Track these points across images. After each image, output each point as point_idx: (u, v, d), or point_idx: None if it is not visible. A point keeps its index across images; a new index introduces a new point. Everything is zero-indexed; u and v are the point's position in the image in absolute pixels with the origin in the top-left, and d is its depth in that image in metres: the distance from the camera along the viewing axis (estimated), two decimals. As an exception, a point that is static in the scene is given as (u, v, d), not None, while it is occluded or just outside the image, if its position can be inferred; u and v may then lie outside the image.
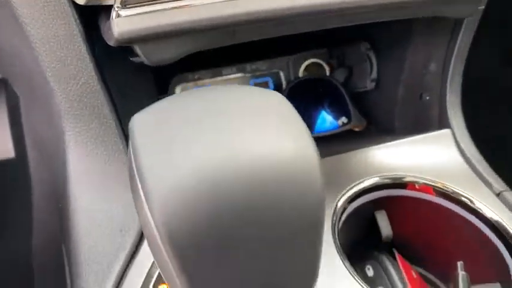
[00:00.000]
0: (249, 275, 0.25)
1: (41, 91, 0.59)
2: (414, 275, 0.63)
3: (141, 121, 0.26)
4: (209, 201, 0.22)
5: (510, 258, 0.52)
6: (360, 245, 0.60)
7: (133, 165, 0.25)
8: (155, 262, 0.27)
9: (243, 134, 0.25)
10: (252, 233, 0.23)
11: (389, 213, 0.60)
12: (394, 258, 0.63)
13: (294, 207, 0.24)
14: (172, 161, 0.23)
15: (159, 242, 0.24)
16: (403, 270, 0.62)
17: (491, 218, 0.53)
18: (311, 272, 0.27)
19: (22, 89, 0.72)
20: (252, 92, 0.30)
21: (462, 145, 0.62)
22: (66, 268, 0.55)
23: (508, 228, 0.52)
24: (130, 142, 0.27)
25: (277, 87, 0.77)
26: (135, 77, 0.59)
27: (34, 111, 0.70)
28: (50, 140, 0.63)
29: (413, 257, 0.62)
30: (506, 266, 0.53)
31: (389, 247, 0.63)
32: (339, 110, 0.74)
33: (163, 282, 0.46)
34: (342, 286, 0.48)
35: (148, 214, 0.24)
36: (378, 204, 0.59)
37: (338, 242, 0.52)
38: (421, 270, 0.63)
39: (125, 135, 0.53)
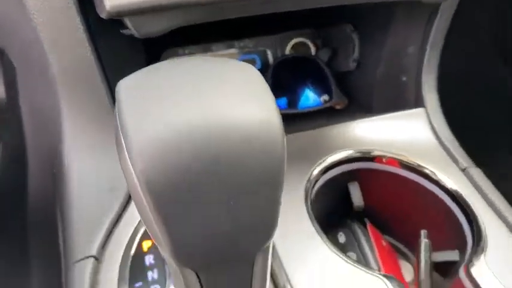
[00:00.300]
0: (215, 219, 0.29)
1: (37, 61, 0.62)
2: (383, 243, 0.68)
3: (126, 85, 0.30)
4: (181, 153, 0.26)
5: (468, 228, 0.56)
6: (334, 214, 0.65)
7: (118, 123, 0.29)
8: (138, 210, 0.31)
9: (215, 98, 0.28)
10: (217, 182, 0.27)
11: (361, 185, 0.64)
12: (365, 227, 0.68)
13: (257, 162, 0.28)
14: (151, 118, 0.27)
15: (139, 189, 0.28)
16: (372, 238, 0.67)
17: (451, 188, 0.57)
18: (271, 221, 0.31)
19: (19, 59, 0.75)
20: (229, 63, 0.34)
21: (434, 124, 0.66)
22: (59, 227, 0.59)
23: (468, 200, 0.56)
24: (116, 104, 0.30)
25: (265, 65, 0.80)
26: (126, 50, 0.62)
27: (31, 81, 0.73)
28: (46, 109, 0.67)
29: (383, 227, 0.67)
30: (464, 235, 0.57)
31: (361, 217, 0.68)
32: (321, 88, 0.78)
33: (148, 239, 0.51)
34: (314, 251, 0.53)
35: (130, 164, 0.27)
36: (351, 176, 0.63)
37: (311, 210, 0.56)
38: (390, 239, 0.68)
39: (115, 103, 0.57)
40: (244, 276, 0.35)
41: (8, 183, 0.95)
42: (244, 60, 0.82)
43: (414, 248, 0.62)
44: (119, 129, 0.29)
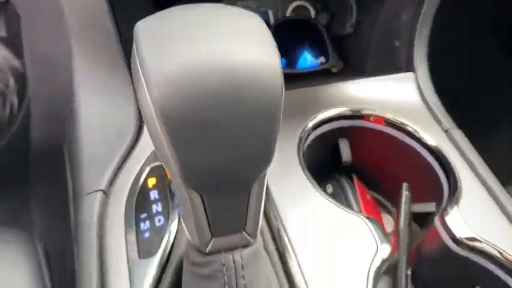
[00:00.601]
0: (220, 145, 0.33)
1: (48, 11, 0.65)
2: (368, 197, 0.73)
3: (143, 26, 0.34)
4: (193, 84, 0.30)
5: (446, 182, 0.61)
6: (324, 168, 0.69)
7: (137, 60, 0.33)
8: (151, 137, 0.35)
9: (225, 38, 0.32)
10: (223, 112, 0.31)
11: (350, 142, 0.69)
12: (352, 181, 0.73)
13: (259, 96, 0.32)
14: (167, 53, 0.31)
15: (154, 115, 0.32)
16: (358, 192, 0.72)
17: (431, 145, 0.62)
18: (268, 151, 0.35)
19: (25, 9, 0.77)
20: (239, 10, 0.37)
21: (422, 87, 0.70)
22: (67, 166, 0.64)
23: (446, 156, 0.61)
24: (134, 43, 0.34)
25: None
26: (137, 3, 0.65)
27: (38, 30, 0.76)
28: (54, 57, 0.70)
29: (368, 182, 0.72)
30: (442, 189, 0.62)
31: (349, 172, 0.73)
32: (319, 50, 0.81)
33: (153, 176, 0.55)
34: (305, 196, 0.58)
35: (146, 93, 0.31)
36: (341, 132, 0.67)
37: (303, 161, 0.61)
38: (374, 194, 0.73)
39: (125, 52, 0.60)
40: (242, 202, 0.40)
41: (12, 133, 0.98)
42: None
43: (396, 202, 0.67)
44: (138, 64, 0.33)
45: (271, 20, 0.82)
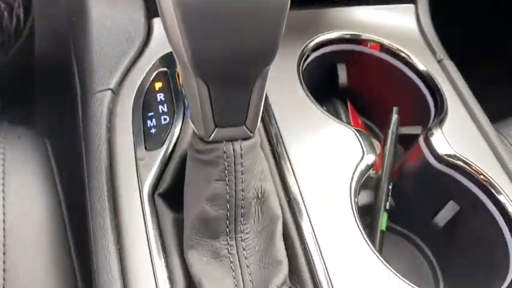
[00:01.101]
0: (229, 36, 0.36)
1: None
2: (359, 121, 0.77)
3: None
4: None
5: (433, 106, 0.65)
6: (320, 89, 0.73)
7: None
8: (166, 28, 0.38)
9: None
10: (234, 5, 0.34)
11: (347, 66, 0.72)
12: (347, 106, 0.77)
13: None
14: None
15: (171, 5, 0.35)
16: (350, 115, 0.76)
17: (423, 70, 0.65)
18: (273, 46, 0.39)
19: None
20: None
21: (421, 18, 0.72)
22: (75, 68, 0.66)
23: (436, 82, 0.65)
24: None
25: None
26: None
27: None
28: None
29: (361, 108, 0.76)
30: (429, 115, 0.66)
31: (344, 97, 0.77)
32: None
33: (160, 80, 0.58)
34: (303, 110, 0.61)
35: None
36: (339, 56, 0.70)
37: (301, 78, 0.64)
38: (365, 119, 0.77)
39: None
40: (244, 96, 0.43)
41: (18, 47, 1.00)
42: None
43: (383, 127, 0.72)
44: None
45: None
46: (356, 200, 0.53)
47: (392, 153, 0.66)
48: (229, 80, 0.40)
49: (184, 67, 0.40)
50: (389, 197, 0.65)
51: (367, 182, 0.67)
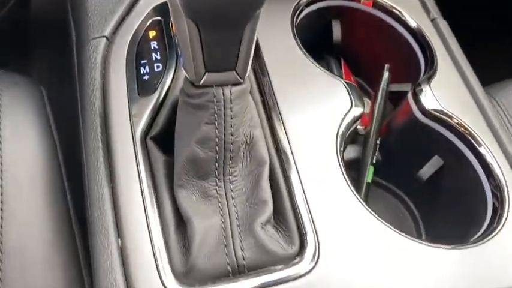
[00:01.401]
0: None
1: None
2: (352, 79, 0.78)
3: None
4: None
5: (424, 65, 0.66)
6: (314, 45, 0.73)
7: None
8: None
9: None
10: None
11: (342, 24, 0.72)
12: (340, 63, 0.78)
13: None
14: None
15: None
16: (344, 73, 0.77)
17: (415, 27, 0.66)
18: None
19: None
20: None
21: None
22: (70, 19, 0.67)
23: (428, 40, 0.65)
24: None
25: None
26: None
27: None
28: None
29: (354, 67, 0.76)
30: (420, 73, 0.67)
31: (338, 55, 0.77)
32: None
33: (154, 29, 0.59)
34: (293, 59, 0.61)
35: None
36: (333, 13, 0.71)
37: (295, 32, 0.65)
38: (358, 78, 0.78)
39: None
40: (234, 41, 0.44)
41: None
42: None
43: (375, 86, 0.73)
44: None
45: None
46: (341, 148, 0.55)
47: (382, 109, 0.67)
48: (219, 22, 0.41)
49: (175, 9, 0.41)
50: (377, 152, 0.67)
51: (355, 138, 0.69)
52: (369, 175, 0.65)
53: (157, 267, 0.45)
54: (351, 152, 0.66)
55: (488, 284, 0.48)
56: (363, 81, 0.79)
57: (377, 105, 0.67)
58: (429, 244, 0.49)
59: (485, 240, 0.50)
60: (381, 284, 0.47)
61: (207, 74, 0.45)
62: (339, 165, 0.53)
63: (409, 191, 0.66)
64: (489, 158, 0.55)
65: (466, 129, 0.58)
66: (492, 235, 0.50)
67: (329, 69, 0.74)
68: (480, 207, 0.54)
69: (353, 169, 0.64)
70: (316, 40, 0.73)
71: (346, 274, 0.47)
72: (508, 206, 0.53)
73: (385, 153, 0.66)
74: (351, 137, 0.63)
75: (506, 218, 0.52)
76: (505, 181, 0.54)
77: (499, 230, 0.51)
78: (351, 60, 0.75)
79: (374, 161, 0.66)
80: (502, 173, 0.55)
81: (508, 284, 0.49)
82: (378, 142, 0.66)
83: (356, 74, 0.77)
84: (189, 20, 0.41)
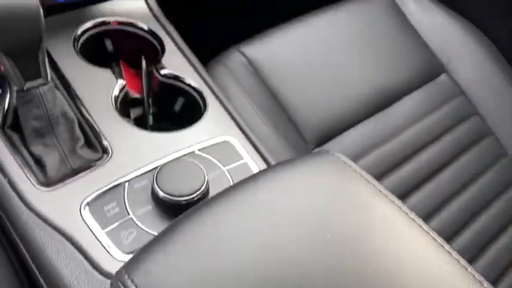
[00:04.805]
0: (10, 34, 0.79)
1: None
2: (131, 70, 1.24)
3: None
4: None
5: (160, 49, 1.15)
6: (100, 57, 1.17)
7: None
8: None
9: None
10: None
11: (112, 39, 1.17)
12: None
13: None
14: None
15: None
16: (123, 68, 1.22)
17: (148, 28, 1.14)
18: (38, 36, 0.82)
19: None
20: None
21: (149, 1, 1.20)
22: None
23: (157, 32, 1.14)
24: None
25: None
26: None
27: None
28: None
29: (130, 63, 1.22)
30: (159, 53, 1.16)
31: (118, 59, 1.22)
32: None
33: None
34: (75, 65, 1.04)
35: None
36: (101, 35, 1.15)
37: (77, 52, 1.07)
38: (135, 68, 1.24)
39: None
40: (34, 63, 0.86)
41: None
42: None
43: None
44: None
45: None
46: (118, 108, 1.00)
47: (147, 80, 1.14)
48: (20, 57, 0.82)
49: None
50: (151, 106, 1.14)
51: (136, 103, 1.15)
52: (149, 121, 1.12)
53: None
54: (137, 111, 1.13)
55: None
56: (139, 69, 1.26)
57: (143, 77, 1.13)
58: None
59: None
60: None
61: (26, 83, 0.87)
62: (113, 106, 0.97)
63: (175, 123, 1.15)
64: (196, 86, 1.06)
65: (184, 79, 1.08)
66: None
67: (113, 70, 1.18)
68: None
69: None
70: (99, 54, 1.17)
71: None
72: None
73: (157, 106, 1.14)
74: (131, 101, 1.09)
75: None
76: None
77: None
78: (126, 60, 1.21)
79: (151, 112, 1.13)
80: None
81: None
82: (150, 100, 1.13)
83: (133, 66, 1.23)
84: (3, 57, 0.81)
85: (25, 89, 0.86)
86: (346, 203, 0.56)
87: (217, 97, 1.05)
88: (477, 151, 1.41)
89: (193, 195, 0.76)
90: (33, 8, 0.78)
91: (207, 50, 1.29)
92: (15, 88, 0.88)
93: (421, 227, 0.56)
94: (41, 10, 0.80)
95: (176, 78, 1.09)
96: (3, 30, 0.76)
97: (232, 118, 1.02)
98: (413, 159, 1.31)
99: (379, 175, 1.27)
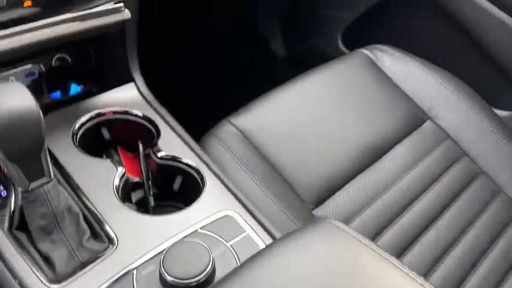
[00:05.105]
0: (11, 141, 0.84)
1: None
2: (129, 155, 1.29)
3: None
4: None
5: (155, 132, 1.20)
6: (98, 146, 1.22)
7: None
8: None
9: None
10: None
11: (108, 128, 1.23)
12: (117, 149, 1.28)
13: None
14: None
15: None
16: (121, 154, 1.27)
17: (143, 115, 1.20)
18: (40, 141, 0.87)
19: None
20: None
21: (140, 88, 1.26)
22: None
23: (154, 119, 1.20)
24: None
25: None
26: None
27: None
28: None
29: (127, 148, 1.27)
30: (155, 136, 1.21)
31: (115, 145, 1.27)
32: (81, 80, 1.32)
33: (-7, 174, 1.02)
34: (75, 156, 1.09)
35: None
36: (99, 125, 1.21)
37: (77, 144, 1.12)
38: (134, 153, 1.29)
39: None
40: (37, 165, 0.90)
41: None
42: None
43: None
44: None
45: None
46: (120, 196, 1.03)
47: (145, 164, 1.19)
48: (23, 160, 0.87)
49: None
50: (152, 188, 1.17)
51: (136, 186, 1.18)
52: (150, 202, 1.15)
53: None
54: (138, 194, 1.16)
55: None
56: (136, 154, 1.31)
57: (142, 161, 1.18)
58: None
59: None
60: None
61: (31, 184, 0.90)
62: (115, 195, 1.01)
63: (178, 200, 1.18)
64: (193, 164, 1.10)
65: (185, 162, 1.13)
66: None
67: (111, 156, 1.23)
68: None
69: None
70: (97, 143, 1.23)
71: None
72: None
73: (157, 186, 1.18)
74: (131, 185, 1.13)
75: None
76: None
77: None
78: (124, 145, 1.26)
79: (151, 193, 1.16)
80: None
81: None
82: (150, 183, 1.17)
83: (130, 150, 1.28)
84: (7, 161, 0.86)
85: (30, 189, 0.89)
86: (350, 271, 0.60)
87: (214, 173, 1.10)
88: (471, 192, 1.44)
89: (201, 276, 0.78)
90: (34, 115, 0.83)
91: (199, 122, 1.35)
92: (20, 189, 0.92)
93: (423, 286, 0.59)
94: (41, 115, 0.85)
95: (173, 159, 1.14)
96: (6, 138, 0.79)
97: (231, 192, 1.06)
98: (410, 208, 1.34)
99: (380, 228, 1.29)
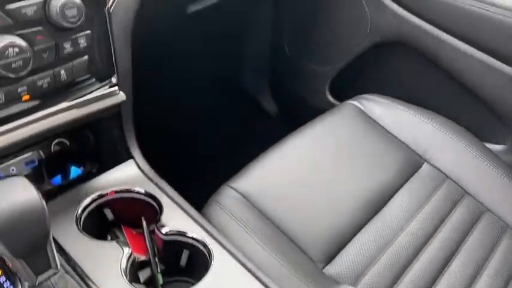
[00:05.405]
0: (18, 238, 0.84)
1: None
2: (134, 232, 1.28)
3: None
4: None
5: (158, 208, 1.20)
6: (101, 227, 1.21)
7: None
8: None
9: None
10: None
11: (111, 208, 1.23)
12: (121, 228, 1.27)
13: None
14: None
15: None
16: (125, 233, 1.26)
17: (146, 191, 1.20)
18: (46, 233, 0.87)
19: None
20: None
21: (140, 164, 1.28)
22: None
23: (157, 195, 1.20)
24: None
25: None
26: None
27: None
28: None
29: (132, 226, 1.26)
30: (157, 212, 1.21)
31: (119, 224, 1.27)
32: (80, 163, 1.34)
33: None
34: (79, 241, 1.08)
35: None
36: (101, 206, 1.21)
37: (81, 227, 1.12)
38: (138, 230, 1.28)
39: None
40: (44, 257, 0.90)
41: None
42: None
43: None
44: None
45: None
46: (128, 278, 1.02)
47: (151, 240, 1.18)
48: (29, 255, 0.86)
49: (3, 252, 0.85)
50: (159, 264, 1.16)
51: (144, 264, 1.17)
52: (159, 280, 1.13)
53: None
54: (146, 272, 1.15)
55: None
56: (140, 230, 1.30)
57: (147, 239, 1.17)
58: None
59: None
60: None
61: (37, 278, 0.89)
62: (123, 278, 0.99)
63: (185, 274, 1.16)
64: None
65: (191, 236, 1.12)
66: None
67: (116, 236, 1.22)
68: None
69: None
70: (101, 224, 1.22)
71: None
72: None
73: (164, 262, 1.16)
74: (138, 264, 1.11)
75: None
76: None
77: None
78: (127, 223, 1.26)
79: (159, 271, 1.15)
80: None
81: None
82: (157, 260, 1.16)
83: (135, 227, 1.28)
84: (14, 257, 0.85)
85: (37, 284, 0.88)
86: None
87: (220, 244, 1.09)
88: (480, 232, 1.44)
89: None
90: (38, 209, 0.83)
91: (199, 187, 1.36)
92: (26, 284, 0.91)
93: None
94: (46, 207, 0.85)
95: (178, 233, 1.13)
96: (11, 236, 0.78)
97: (239, 262, 1.05)
98: (423, 253, 1.33)
99: (397, 276, 1.27)
